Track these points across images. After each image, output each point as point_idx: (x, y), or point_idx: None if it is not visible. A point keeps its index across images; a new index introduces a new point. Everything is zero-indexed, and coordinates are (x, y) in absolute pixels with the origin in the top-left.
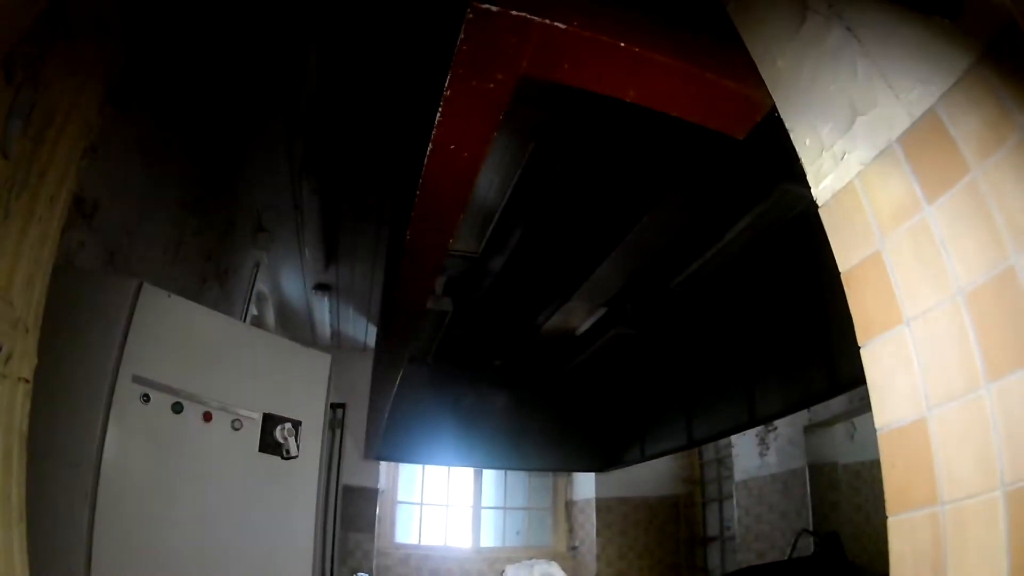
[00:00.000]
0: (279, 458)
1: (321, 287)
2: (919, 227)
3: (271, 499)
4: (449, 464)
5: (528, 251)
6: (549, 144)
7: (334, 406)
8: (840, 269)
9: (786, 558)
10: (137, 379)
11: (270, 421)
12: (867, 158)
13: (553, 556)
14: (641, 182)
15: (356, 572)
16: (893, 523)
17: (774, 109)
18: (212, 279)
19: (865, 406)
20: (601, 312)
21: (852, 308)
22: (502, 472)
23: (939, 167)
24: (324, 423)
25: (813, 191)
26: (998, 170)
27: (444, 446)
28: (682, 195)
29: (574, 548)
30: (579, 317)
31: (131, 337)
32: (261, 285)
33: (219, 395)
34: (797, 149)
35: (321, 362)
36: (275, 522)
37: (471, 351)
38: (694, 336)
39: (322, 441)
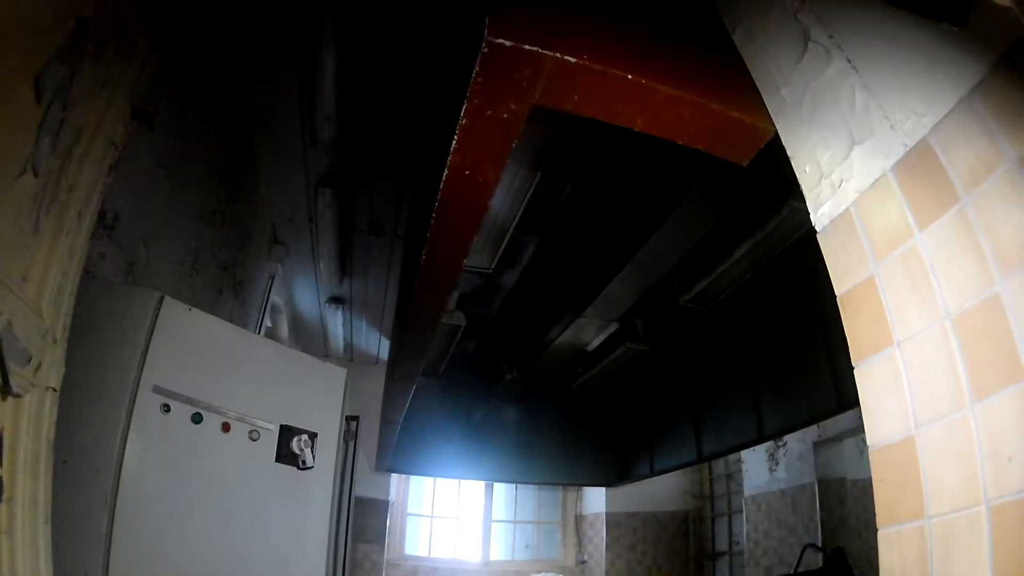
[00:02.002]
0: (295, 468)
1: (335, 300)
2: (911, 253)
3: (287, 509)
4: (459, 477)
5: (540, 267)
6: (561, 161)
7: (348, 418)
8: (836, 293)
9: (792, 573)
10: (158, 389)
11: (287, 432)
12: (863, 186)
13: (562, 570)
14: (651, 199)
15: None
16: (883, 536)
17: (777, 136)
18: (228, 290)
19: None
20: (612, 328)
21: (847, 330)
22: (513, 486)
23: (931, 195)
24: (339, 435)
25: (812, 218)
26: (986, 198)
27: (455, 459)
28: (692, 212)
29: (583, 562)
30: (590, 333)
31: (152, 348)
32: (275, 297)
33: (238, 406)
34: (798, 176)
35: (337, 376)
36: (290, 531)
37: (483, 365)
38: (704, 352)
39: (337, 452)
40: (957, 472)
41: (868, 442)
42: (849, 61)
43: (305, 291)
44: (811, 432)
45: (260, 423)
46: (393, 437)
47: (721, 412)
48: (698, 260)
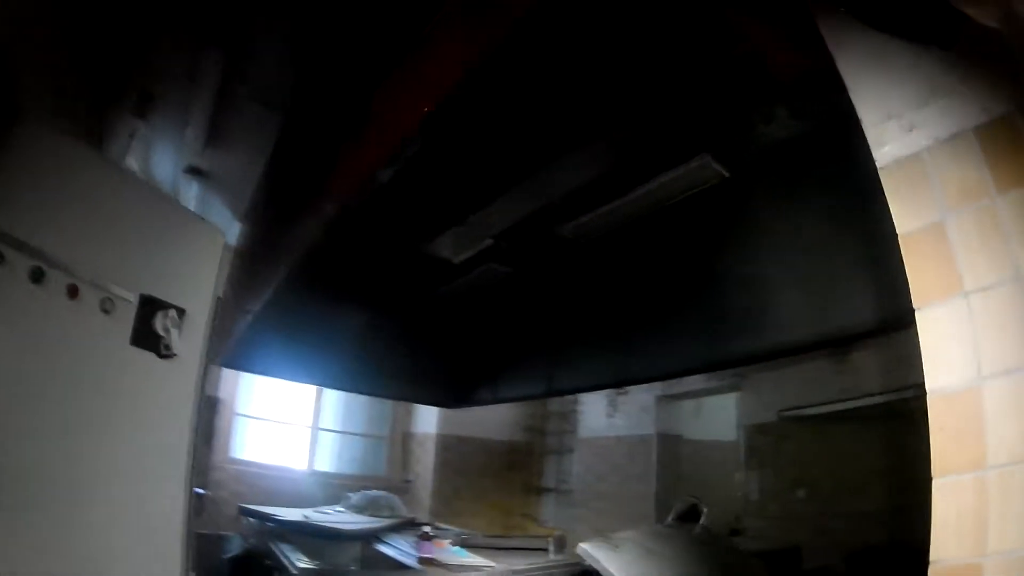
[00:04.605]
0: (155, 355)
1: (193, 171)
2: (986, 211)
3: (141, 408)
4: (299, 380)
5: (421, 168)
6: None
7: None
8: (898, 231)
9: (665, 524)
10: None
11: (149, 306)
12: (940, 135)
13: (387, 487)
14: (558, 128)
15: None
16: (938, 485)
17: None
18: (91, 139)
19: (715, 388)
20: (486, 244)
21: (909, 271)
22: (343, 395)
23: (1012, 164)
24: (210, 317)
25: (873, 150)
26: None
27: (295, 360)
28: (594, 152)
29: (409, 481)
30: (461, 246)
31: None
32: (131, 159)
33: (89, 265)
34: (857, 108)
35: (214, 238)
36: (149, 438)
37: (336, 263)
38: (571, 287)
39: (204, 340)
40: (1021, 426)
41: (928, 388)
42: None
43: (164, 156)
44: (656, 386)
45: (116, 290)
46: (241, 328)
47: (580, 349)
48: (587, 196)
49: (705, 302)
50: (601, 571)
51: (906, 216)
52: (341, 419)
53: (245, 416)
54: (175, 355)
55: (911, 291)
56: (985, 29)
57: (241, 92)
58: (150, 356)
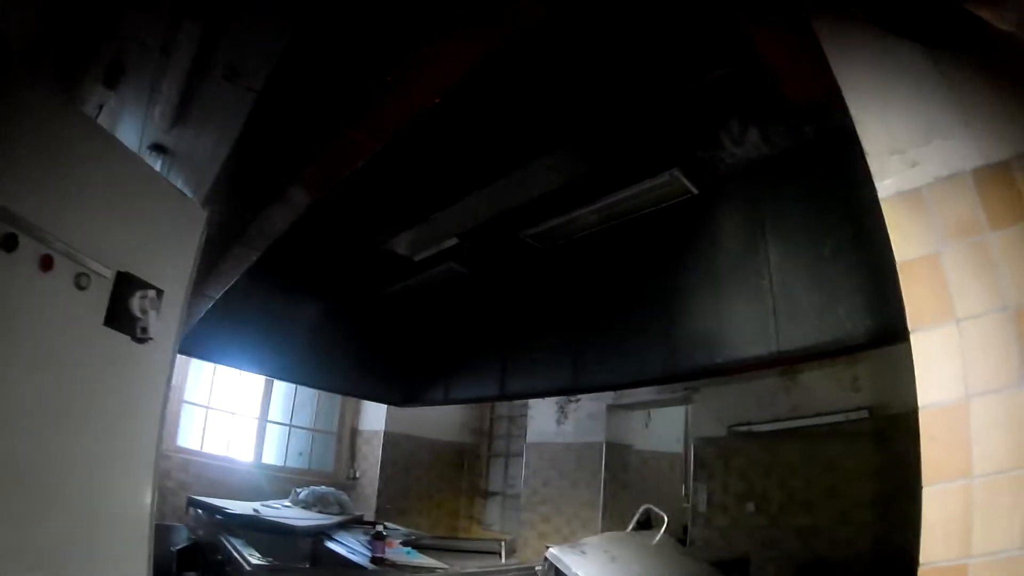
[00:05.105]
0: (129, 339)
1: (158, 148)
2: (979, 246)
3: (114, 393)
4: (250, 370)
5: (388, 164)
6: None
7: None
8: (896, 258)
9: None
10: None
11: (126, 284)
12: (940, 173)
13: (333, 483)
14: (529, 133)
15: None
16: (928, 493)
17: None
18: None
19: (666, 400)
20: (449, 243)
21: (905, 296)
22: (292, 388)
23: (1005, 206)
24: (185, 300)
25: (876, 181)
26: None
27: (246, 349)
28: (563, 160)
29: (354, 478)
30: (422, 244)
31: None
32: None
33: (66, 234)
34: (861, 138)
35: (196, 215)
36: (118, 425)
37: (292, 253)
38: (530, 291)
39: (180, 324)
40: (1006, 438)
41: (920, 402)
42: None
43: (129, 131)
44: (606, 395)
45: (92, 264)
46: (200, 314)
47: (536, 354)
48: (554, 202)
49: (663, 314)
50: (568, 575)
51: (905, 245)
52: (289, 412)
53: (192, 404)
54: (150, 339)
55: (907, 314)
56: (1001, 33)
57: (215, 70)
58: (124, 339)
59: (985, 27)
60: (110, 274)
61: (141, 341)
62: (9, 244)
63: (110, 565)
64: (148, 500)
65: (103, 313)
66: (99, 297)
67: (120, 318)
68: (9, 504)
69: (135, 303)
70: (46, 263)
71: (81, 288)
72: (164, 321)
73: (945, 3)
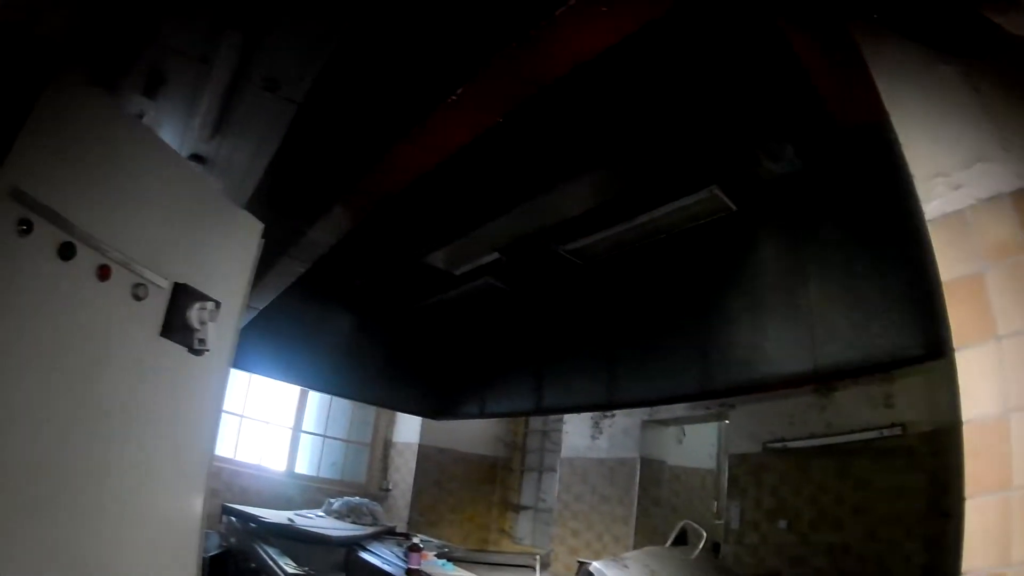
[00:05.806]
0: (186, 350)
1: (197, 158)
2: (1019, 266)
3: (170, 403)
4: (285, 380)
5: (431, 182)
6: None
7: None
8: (941, 278)
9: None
10: (18, 196)
11: (183, 295)
12: (981, 196)
13: (365, 493)
14: (568, 153)
15: None
16: (971, 505)
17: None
18: None
19: (701, 416)
20: (490, 258)
21: (949, 314)
22: (327, 399)
23: None
24: (241, 311)
25: (922, 204)
26: None
27: (282, 360)
28: (608, 173)
29: (387, 490)
30: (462, 258)
31: (22, 134)
32: None
33: (123, 245)
34: (908, 161)
35: (252, 229)
36: (173, 436)
37: (331, 266)
38: (566, 306)
39: (235, 336)
40: None
41: (964, 417)
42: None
43: (168, 141)
44: (641, 410)
45: (149, 275)
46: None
47: (572, 369)
48: (593, 218)
49: (700, 331)
50: None
51: (949, 266)
52: (323, 423)
53: (226, 412)
54: (207, 351)
55: (951, 332)
56: (1015, 39)
57: (256, 81)
58: (180, 350)
59: (1001, 33)
60: (167, 285)
61: (198, 353)
62: (66, 253)
63: (161, 570)
64: (199, 509)
65: (160, 323)
66: (156, 307)
67: (177, 328)
68: (63, 507)
69: (193, 314)
70: (103, 273)
71: (138, 299)
72: (221, 333)
73: (963, 9)
